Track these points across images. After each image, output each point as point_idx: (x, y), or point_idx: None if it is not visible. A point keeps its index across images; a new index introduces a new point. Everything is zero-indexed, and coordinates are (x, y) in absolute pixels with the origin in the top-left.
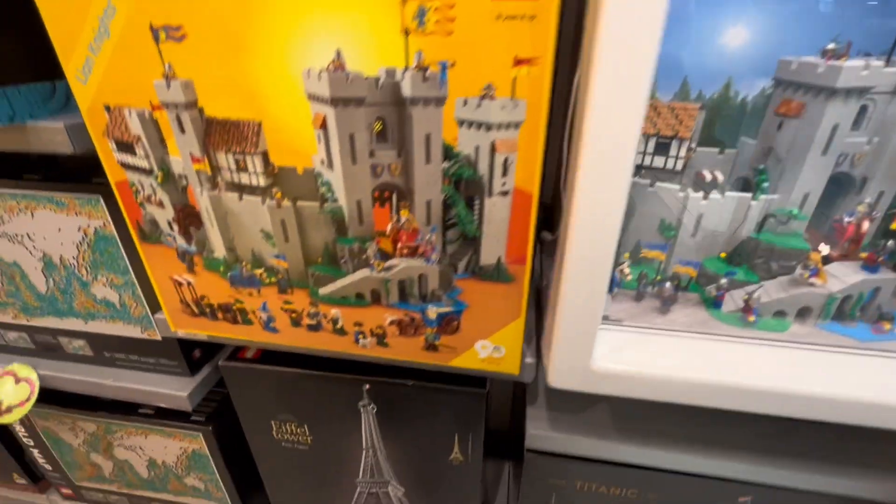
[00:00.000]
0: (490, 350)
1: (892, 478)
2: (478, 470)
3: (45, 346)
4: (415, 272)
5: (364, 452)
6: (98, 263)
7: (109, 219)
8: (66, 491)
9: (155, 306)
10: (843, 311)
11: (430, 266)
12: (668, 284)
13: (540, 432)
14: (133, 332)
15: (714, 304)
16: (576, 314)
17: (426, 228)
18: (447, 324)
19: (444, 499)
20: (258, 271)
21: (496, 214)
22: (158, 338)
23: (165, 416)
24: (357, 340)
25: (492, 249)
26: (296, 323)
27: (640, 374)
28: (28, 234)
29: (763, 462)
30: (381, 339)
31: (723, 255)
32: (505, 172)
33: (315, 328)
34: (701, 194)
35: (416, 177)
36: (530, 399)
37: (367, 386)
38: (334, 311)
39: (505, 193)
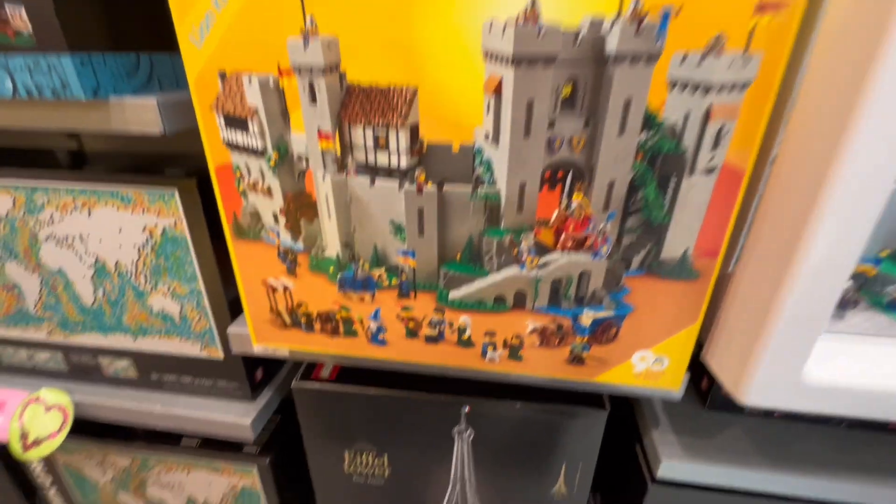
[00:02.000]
0: (650, 362)
1: None
2: None
3: (80, 369)
4: (576, 269)
5: (450, 487)
6: (161, 269)
7: (183, 216)
8: None
9: (223, 318)
10: None
11: (596, 262)
12: (850, 282)
13: (674, 461)
14: (190, 349)
15: (890, 307)
16: (798, 318)
17: (601, 216)
18: (603, 331)
19: None
20: (377, 272)
21: (694, 197)
22: (220, 356)
23: (214, 447)
24: (484, 354)
25: (679, 240)
26: (412, 333)
27: (863, 387)
28: (81, 236)
29: None
30: (514, 352)
31: (884, 252)
32: (716, 145)
33: (435, 340)
34: None
35: (603, 152)
36: (645, 423)
37: (468, 408)
38: (463, 319)
39: (710, 171)
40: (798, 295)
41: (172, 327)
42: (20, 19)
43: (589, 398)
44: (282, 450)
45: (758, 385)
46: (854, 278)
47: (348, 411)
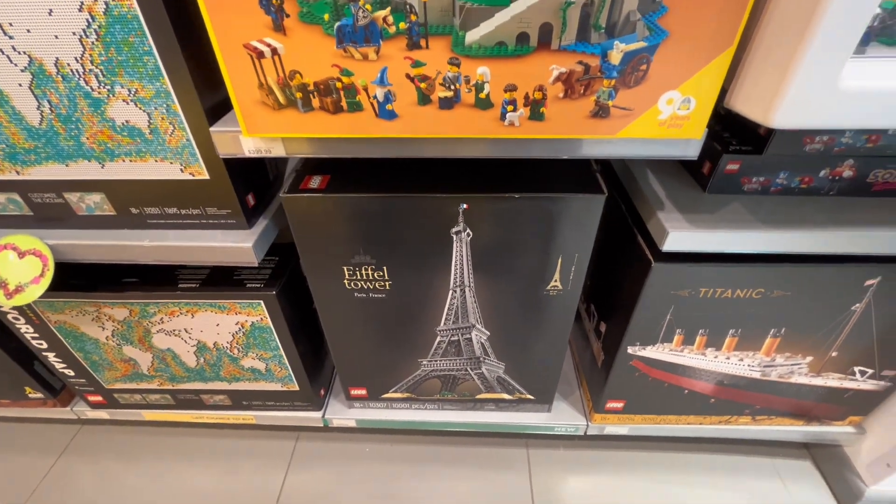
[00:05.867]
0: (676, 105)
1: None
2: (575, 300)
3: (47, 213)
4: None
5: (450, 293)
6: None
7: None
8: (94, 398)
9: (200, 128)
10: None
11: None
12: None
13: (681, 231)
14: (169, 171)
15: None
16: (834, 31)
17: None
18: (633, 69)
19: (532, 338)
20: (381, 14)
21: None
22: (205, 175)
23: (215, 286)
24: (504, 116)
25: None
26: (424, 98)
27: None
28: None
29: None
30: (536, 109)
31: None
32: None
33: (450, 103)
34: None
35: None
36: (648, 208)
37: (466, 206)
38: (481, 70)
39: None
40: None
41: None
42: None
43: (586, 185)
44: (286, 283)
45: (795, 105)
46: None
47: (342, 221)
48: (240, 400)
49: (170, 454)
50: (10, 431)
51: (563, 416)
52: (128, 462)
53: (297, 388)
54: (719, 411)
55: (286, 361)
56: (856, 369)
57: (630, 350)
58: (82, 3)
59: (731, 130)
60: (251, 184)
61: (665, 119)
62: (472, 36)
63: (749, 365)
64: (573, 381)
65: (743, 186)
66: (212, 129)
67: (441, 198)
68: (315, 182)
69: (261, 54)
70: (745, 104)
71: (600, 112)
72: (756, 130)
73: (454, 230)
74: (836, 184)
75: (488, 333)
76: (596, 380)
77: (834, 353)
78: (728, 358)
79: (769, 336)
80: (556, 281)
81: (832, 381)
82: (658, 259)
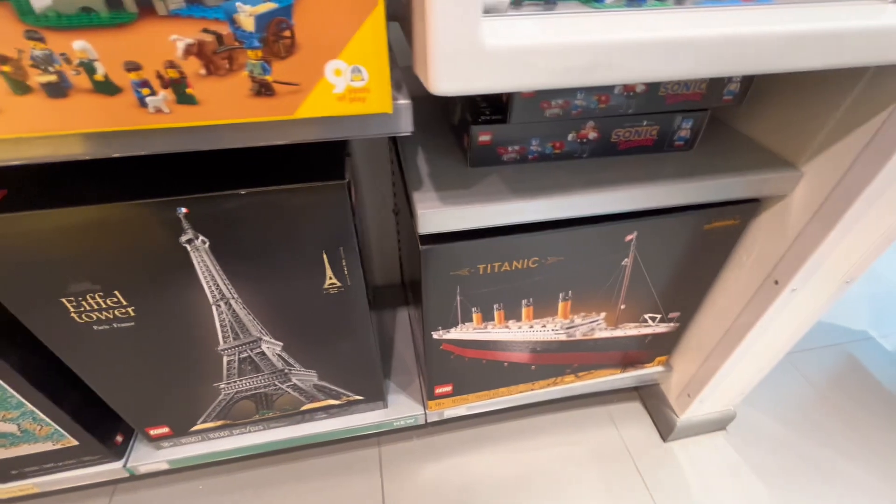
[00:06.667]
0: (348, 76)
1: (747, 175)
2: (361, 294)
3: None
4: None
5: (214, 308)
6: None
7: None
8: None
9: None
10: None
11: None
12: None
13: (430, 210)
14: None
15: None
16: None
17: None
18: (275, 35)
19: (332, 341)
20: None
21: None
22: None
23: None
24: (143, 102)
25: None
26: (19, 86)
27: (544, 45)
28: None
29: (640, 192)
30: (180, 90)
31: None
32: None
33: (58, 90)
34: None
35: None
36: (413, 191)
37: (185, 209)
38: (79, 45)
39: None
40: None
41: None
42: None
43: (326, 172)
44: (5, 325)
45: (445, 67)
46: None
47: (30, 245)
48: (6, 470)
49: None
50: None
51: (400, 409)
52: None
53: (75, 442)
54: (543, 375)
55: (44, 416)
56: (646, 316)
57: (435, 335)
58: None
59: (488, 101)
60: None
61: (342, 93)
62: (41, 1)
63: (553, 329)
64: (414, 370)
65: (502, 157)
66: None
67: (147, 203)
68: None
69: None
70: (420, 70)
71: (262, 90)
72: (502, 100)
73: (183, 239)
74: (586, 146)
75: (281, 343)
76: (424, 367)
77: (623, 306)
78: (531, 326)
79: (560, 300)
80: (331, 278)
81: (630, 330)
82: (425, 242)
